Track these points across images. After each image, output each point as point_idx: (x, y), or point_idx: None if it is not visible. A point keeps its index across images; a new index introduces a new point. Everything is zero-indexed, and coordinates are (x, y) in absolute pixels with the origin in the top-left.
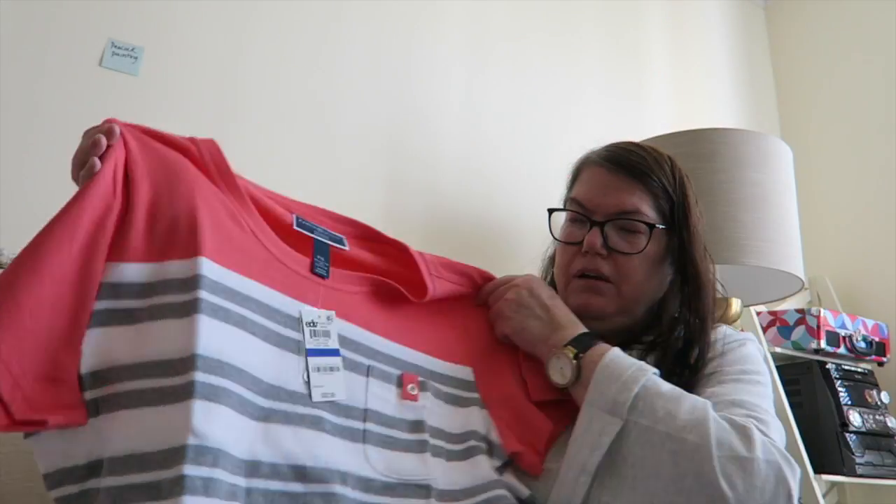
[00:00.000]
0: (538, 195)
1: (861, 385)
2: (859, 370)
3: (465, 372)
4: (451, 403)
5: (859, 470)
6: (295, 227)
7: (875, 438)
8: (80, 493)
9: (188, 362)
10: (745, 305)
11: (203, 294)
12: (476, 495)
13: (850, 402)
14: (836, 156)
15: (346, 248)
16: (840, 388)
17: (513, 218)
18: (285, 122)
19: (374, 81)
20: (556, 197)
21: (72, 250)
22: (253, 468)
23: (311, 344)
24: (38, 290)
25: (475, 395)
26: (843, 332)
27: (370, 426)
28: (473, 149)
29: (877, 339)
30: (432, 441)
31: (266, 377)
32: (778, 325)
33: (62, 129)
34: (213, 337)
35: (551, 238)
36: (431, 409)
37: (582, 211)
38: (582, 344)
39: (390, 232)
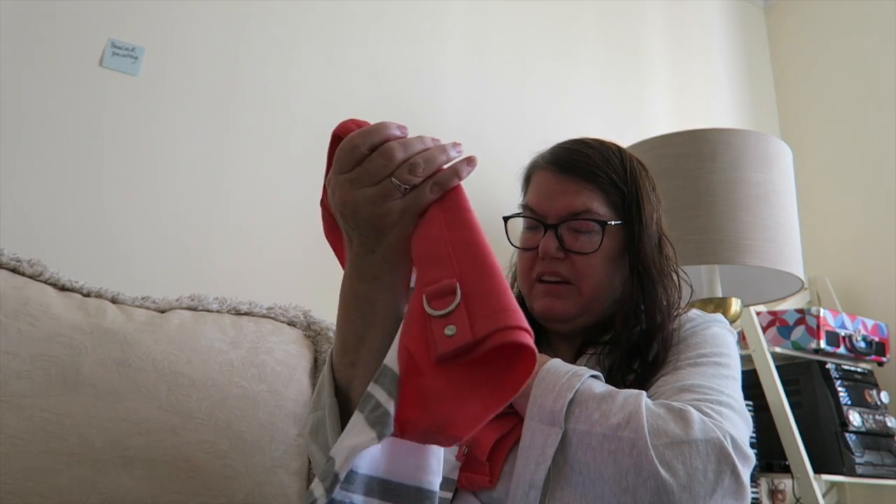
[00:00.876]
0: None
1: (861, 385)
2: (859, 370)
3: None
4: None
5: (859, 470)
6: None
7: (875, 438)
8: None
9: None
10: (745, 305)
11: None
12: None
13: (849, 402)
14: (836, 156)
15: None
16: (840, 388)
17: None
18: (285, 122)
19: (375, 81)
20: None
21: None
22: None
23: None
24: None
25: None
26: (842, 332)
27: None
28: (473, 149)
29: (877, 339)
30: None
31: None
32: (778, 325)
33: (62, 129)
34: None
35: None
36: None
37: (534, 216)
38: None
39: None
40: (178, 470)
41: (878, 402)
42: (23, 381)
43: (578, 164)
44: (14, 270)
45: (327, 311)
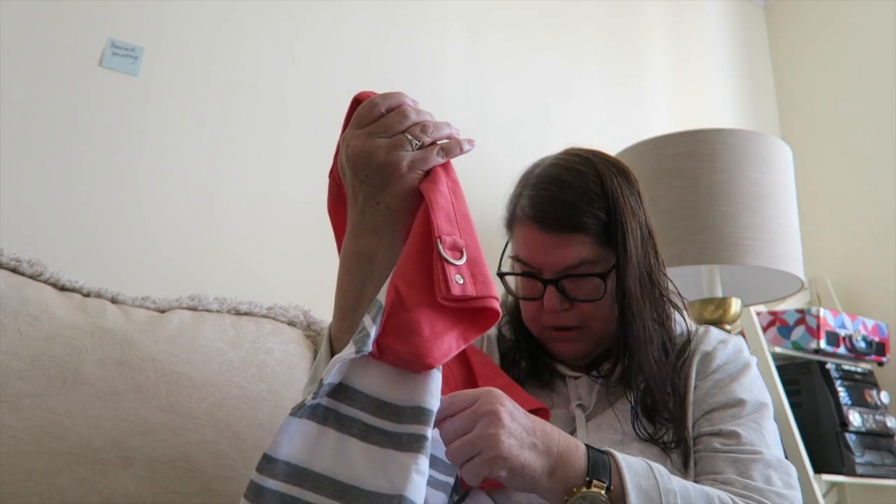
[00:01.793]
0: None
1: (861, 385)
2: (859, 370)
3: None
4: None
5: (859, 470)
6: None
7: (875, 438)
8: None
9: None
10: (745, 305)
11: None
12: None
13: (849, 402)
14: (836, 156)
15: None
16: (840, 388)
17: None
18: (285, 122)
19: (375, 82)
20: None
21: None
22: None
23: None
24: None
25: None
26: (842, 332)
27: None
28: (473, 150)
29: (877, 339)
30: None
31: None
32: (778, 325)
33: (62, 129)
34: None
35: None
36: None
37: (530, 269)
38: (598, 469)
39: None
40: (178, 470)
41: (878, 402)
42: (22, 381)
43: (562, 217)
44: (14, 270)
45: (327, 312)
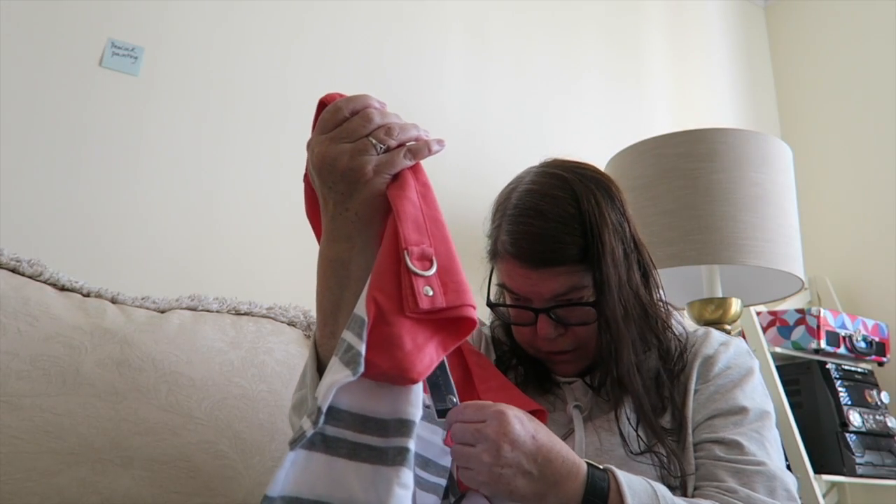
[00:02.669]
0: None
1: (861, 385)
2: (859, 370)
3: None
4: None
5: (859, 470)
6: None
7: (875, 438)
8: None
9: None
10: (745, 305)
11: None
12: None
13: (850, 402)
14: (836, 156)
15: None
16: (840, 388)
17: None
18: (285, 121)
19: (375, 82)
20: None
21: None
22: None
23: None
24: None
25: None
26: (843, 332)
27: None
28: (473, 149)
29: (877, 339)
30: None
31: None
32: (778, 325)
33: (62, 129)
34: None
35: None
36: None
37: (519, 301)
38: (595, 494)
39: None
40: (178, 470)
41: (879, 403)
42: (22, 380)
43: (542, 252)
44: (14, 270)
45: None
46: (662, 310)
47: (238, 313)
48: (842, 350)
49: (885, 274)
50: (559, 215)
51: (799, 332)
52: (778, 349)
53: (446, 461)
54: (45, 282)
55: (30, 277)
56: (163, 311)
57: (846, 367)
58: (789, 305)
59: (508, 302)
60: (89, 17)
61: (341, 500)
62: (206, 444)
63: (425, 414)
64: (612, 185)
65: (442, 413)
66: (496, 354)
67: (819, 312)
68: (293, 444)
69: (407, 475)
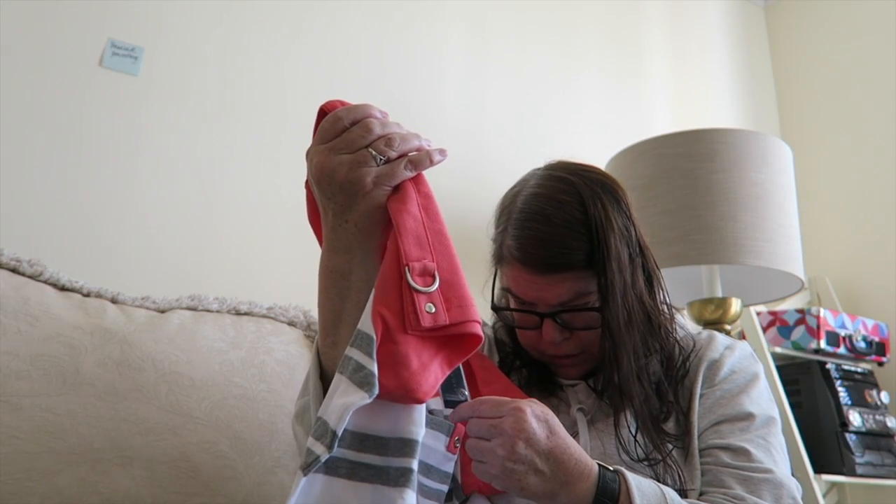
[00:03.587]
0: None
1: (861, 385)
2: (859, 370)
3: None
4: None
5: (859, 470)
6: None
7: (875, 438)
8: None
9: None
10: (745, 305)
11: None
12: None
13: (850, 402)
14: (836, 156)
15: None
16: (840, 388)
17: None
18: (285, 121)
19: (375, 82)
20: None
21: None
22: None
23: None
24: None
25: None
26: (843, 332)
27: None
28: (473, 149)
29: (877, 339)
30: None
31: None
32: (778, 325)
33: (62, 129)
34: None
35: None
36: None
37: (524, 306)
38: (605, 497)
39: None
40: (178, 470)
41: (879, 403)
42: (22, 380)
43: (549, 258)
44: (14, 270)
45: None
46: (666, 314)
47: (238, 313)
48: (842, 350)
49: (885, 274)
50: (566, 220)
51: (799, 332)
52: (778, 349)
53: (449, 467)
54: (45, 282)
55: (30, 277)
56: (163, 311)
57: (846, 367)
58: (789, 305)
59: (513, 306)
60: (89, 17)
61: None
62: (206, 444)
63: (428, 420)
64: (618, 189)
65: (451, 404)
66: (499, 356)
67: (819, 312)
68: (307, 469)
69: (411, 496)
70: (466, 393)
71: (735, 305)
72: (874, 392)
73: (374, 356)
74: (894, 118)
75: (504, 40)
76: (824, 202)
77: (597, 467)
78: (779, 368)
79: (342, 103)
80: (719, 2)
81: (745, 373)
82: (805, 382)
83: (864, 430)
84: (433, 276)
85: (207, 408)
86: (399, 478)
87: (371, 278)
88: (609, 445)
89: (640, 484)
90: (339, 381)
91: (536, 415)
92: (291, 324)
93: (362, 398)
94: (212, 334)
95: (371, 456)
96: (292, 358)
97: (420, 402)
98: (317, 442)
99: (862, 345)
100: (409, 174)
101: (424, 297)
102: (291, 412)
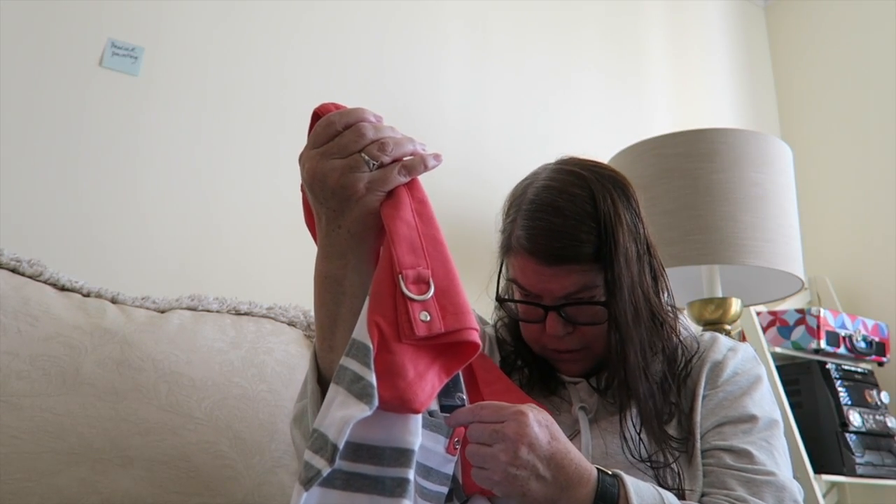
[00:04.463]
0: None
1: (861, 385)
2: (859, 370)
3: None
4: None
5: (859, 470)
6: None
7: (875, 438)
8: None
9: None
10: (745, 305)
11: None
12: None
13: (850, 402)
14: (836, 156)
15: None
16: (840, 388)
17: None
18: (285, 122)
19: (375, 82)
20: None
21: None
22: None
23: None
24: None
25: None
26: (843, 332)
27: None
28: (473, 149)
29: (877, 339)
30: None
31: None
32: (778, 325)
33: (62, 129)
34: None
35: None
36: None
37: (529, 297)
38: (607, 501)
39: None
40: (178, 470)
41: (879, 403)
42: (22, 380)
43: (558, 249)
44: (14, 270)
45: None
46: (670, 314)
47: (238, 313)
48: (842, 350)
49: (885, 274)
50: (576, 213)
51: (799, 332)
52: (778, 349)
53: (448, 469)
54: (45, 282)
55: (30, 277)
56: (163, 311)
57: (846, 367)
58: (789, 305)
59: (518, 297)
60: (89, 17)
61: None
62: (206, 444)
63: (426, 421)
64: (628, 186)
65: (448, 409)
66: (500, 355)
67: (819, 312)
68: (308, 483)
69: None
70: (464, 397)
71: (735, 305)
72: (874, 392)
73: (372, 366)
74: (894, 118)
75: (504, 40)
76: (824, 202)
77: (596, 472)
78: (779, 368)
79: (336, 106)
80: (719, 2)
81: (748, 375)
82: (805, 382)
83: (864, 430)
84: (428, 284)
85: (207, 408)
86: (395, 488)
87: (366, 283)
88: (611, 444)
89: (638, 488)
90: (335, 392)
91: (538, 420)
92: (291, 324)
93: (362, 410)
94: (212, 334)
95: (366, 466)
96: (292, 358)
97: (416, 412)
98: (316, 455)
99: (862, 345)
100: (403, 179)
101: (419, 305)
102: (290, 413)
